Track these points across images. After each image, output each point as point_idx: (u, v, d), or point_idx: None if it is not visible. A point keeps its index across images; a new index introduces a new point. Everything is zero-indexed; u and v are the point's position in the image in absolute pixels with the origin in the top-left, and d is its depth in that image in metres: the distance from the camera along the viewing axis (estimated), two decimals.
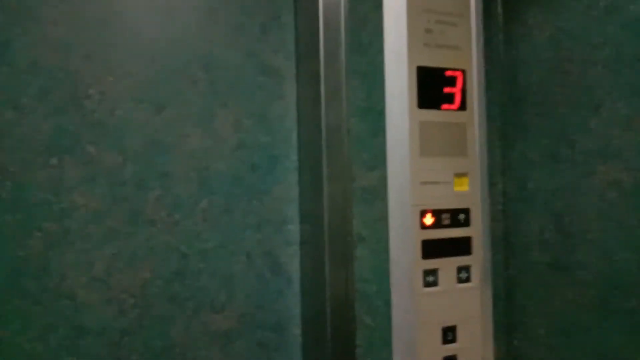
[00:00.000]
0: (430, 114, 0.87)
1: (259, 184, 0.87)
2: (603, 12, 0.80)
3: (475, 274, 0.90)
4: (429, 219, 0.87)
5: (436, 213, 0.88)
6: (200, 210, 0.83)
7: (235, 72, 0.86)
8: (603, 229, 0.81)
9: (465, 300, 0.90)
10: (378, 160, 0.88)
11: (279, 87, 0.88)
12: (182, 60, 0.83)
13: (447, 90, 0.88)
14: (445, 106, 0.88)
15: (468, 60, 0.90)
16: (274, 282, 0.88)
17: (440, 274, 0.88)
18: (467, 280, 0.90)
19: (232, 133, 0.85)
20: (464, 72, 0.89)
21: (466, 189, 0.90)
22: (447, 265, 0.89)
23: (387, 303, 0.89)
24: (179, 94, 0.82)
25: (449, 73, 0.88)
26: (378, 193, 0.89)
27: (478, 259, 0.91)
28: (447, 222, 0.89)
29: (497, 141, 0.97)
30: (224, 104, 0.85)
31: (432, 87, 0.87)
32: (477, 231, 0.90)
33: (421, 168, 0.87)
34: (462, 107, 0.89)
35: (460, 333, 0.89)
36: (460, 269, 0.90)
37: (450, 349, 0.89)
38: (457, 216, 0.89)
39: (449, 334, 0.89)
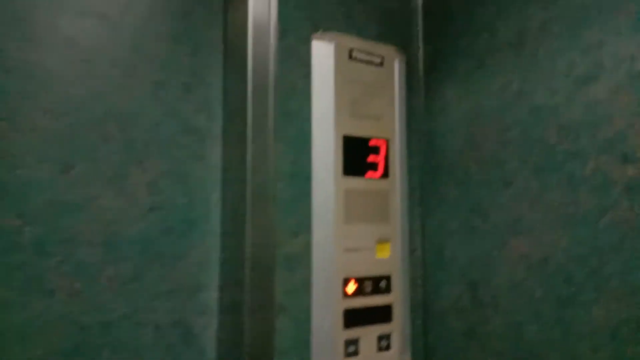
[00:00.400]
0: (354, 182, 0.88)
1: (172, 248, 0.81)
2: (514, 96, 0.86)
3: (395, 341, 0.90)
4: (351, 287, 0.86)
5: (358, 281, 0.87)
6: (105, 277, 0.76)
7: (154, 130, 0.80)
8: (513, 300, 0.85)
9: None
10: (302, 226, 0.86)
11: (201, 147, 0.84)
12: (96, 115, 0.76)
13: (371, 158, 0.90)
14: (369, 174, 0.89)
15: (391, 130, 0.92)
16: (185, 355, 0.81)
17: (361, 343, 0.87)
18: (388, 348, 0.90)
19: (146, 194, 0.79)
20: (387, 141, 0.91)
21: (387, 256, 0.91)
22: (368, 334, 0.88)
23: None
24: (90, 151, 0.75)
25: (373, 142, 0.90)
26: (301, 260, 0.86)
27: (398, 326, 0.91)
28: (368, 289, 0.88)
29: (417, 209, 1.00)
30: (140, 162, 0.79)
31: (357, 156, 0.88)
32: (397, 298, 0.91)
33: (345, 235, 0.86)
34: (385, 174, 0.91)
35: None
36: (380, 338, 0.89)
37: None
38: (379, 283, 0.89)
39: None
